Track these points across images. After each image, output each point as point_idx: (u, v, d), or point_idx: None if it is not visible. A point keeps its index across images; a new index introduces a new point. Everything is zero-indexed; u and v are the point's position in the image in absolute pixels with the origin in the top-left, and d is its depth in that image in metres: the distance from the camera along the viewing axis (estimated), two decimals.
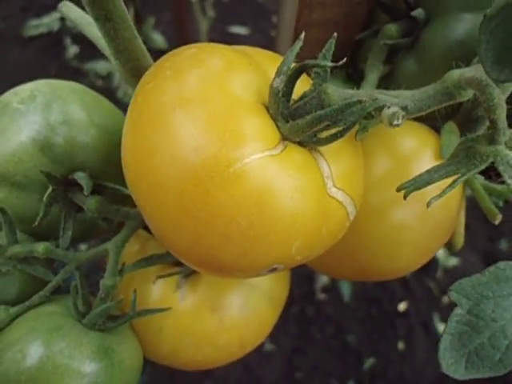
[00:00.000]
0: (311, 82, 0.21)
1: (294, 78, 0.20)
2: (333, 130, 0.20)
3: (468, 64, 0.24)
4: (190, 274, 0.30)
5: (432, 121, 0.30)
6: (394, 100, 0.21)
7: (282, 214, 0.19)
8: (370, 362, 1.06)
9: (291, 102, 0.21)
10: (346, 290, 1.14)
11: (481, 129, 0.28)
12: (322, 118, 0.19)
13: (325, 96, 0.20)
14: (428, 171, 0.20)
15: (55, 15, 1.50)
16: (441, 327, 1.09)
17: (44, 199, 0.26)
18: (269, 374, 1.04)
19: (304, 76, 0.22)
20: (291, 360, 1.06)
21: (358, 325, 1.11)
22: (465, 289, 0.20)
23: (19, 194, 0.27)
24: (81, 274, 0.27)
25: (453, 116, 0.30)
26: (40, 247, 0.26)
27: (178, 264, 0.30)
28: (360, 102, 0.19)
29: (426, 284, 1.15)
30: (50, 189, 0.26)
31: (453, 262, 1.17)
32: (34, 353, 0.23)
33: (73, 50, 1.45)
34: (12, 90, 0.28)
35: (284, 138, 0.20)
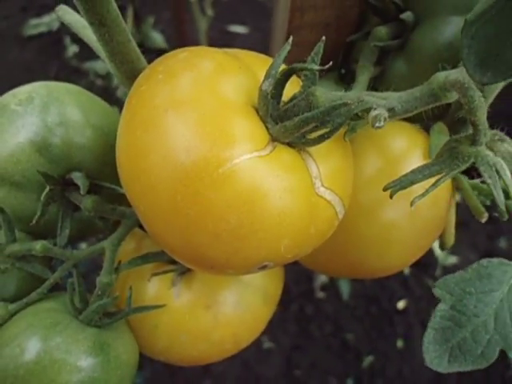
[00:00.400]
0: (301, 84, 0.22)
1: (283, 81, 0.21)
2: (321, 131, 0.21)
3: (456, 65, 0.24)
4: (184, 272, 0.30)
5: (422, 121, 0.30)
6: (382, 102, 0.21)
7: (270, 213, 0.20)
8: (368, 360, 1.07)
9: (281, 104, 0.21)
10: (344, 288, 1.15)
11: (469, 129, 0.29)
12: (309, 119, 0.20)
13: (313, 98, 0.20)
14: (413, 171, 0.21)
15: (55, 15, 1.51)
16: None
17: (41, 199, 0.27)
18: (268, 372, 1.05)
19: (295, 78, 0.23)
20: (290, 358, 1.07)
21: (357, 323, 1.12)
22: (448, 285, 0.20)
23: (17, 194, 0.27)
24: (78, 272, 0.27)
25: (443, 117, 0.30)
26: (38, 245, 0.27)
27: (173, 262, 0.30)
28: (346, 104, 0.19)
29: (425, 282, 1.16)
30: (47, 188, 0.27)
31: (452, 260, 1.18)
32: (32, 348, 0.24)
33: (72, 49, 1.45)
34: (10, 92, 0.29)
35: (273, 139, 0.21)
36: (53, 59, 1.44)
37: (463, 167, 0.20)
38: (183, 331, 0.30)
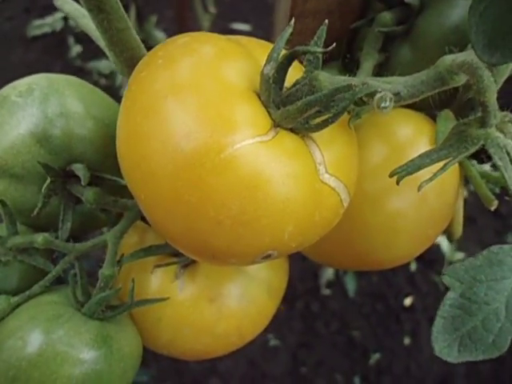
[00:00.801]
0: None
1: (286, 65, 0.20)
2: (325, 117, 0.20)
3: (462, 50, 0.24)
4: (188, 265, 0.30)
5: (429, 109, 0.30)
6: (387, 86, 0.21)
7: (273, 199, 0.19)
8: (375, 358, 1.06)
9: (283, 89, 0.21)
10: (351, 285, 1.14)
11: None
12: (312, 103, 0.19)
13: (316, 82, 0.20)
14: (420, 156, 0.20)
15: (58, 15, 1.51)
16: None
17: (42, 190, 0.26)
18: (274, 370, 1.04)
19: (298, 65, 0.22)
20: (296, 355, 1.06)
21: (364, 320, 1.11)
22: (458, 272, 0.20)
23: (18, 186, 0.27)
24: (80, 265, 0.27)
25: (449, 104, 0.29)
26: (39, 238, 0.26)
27: (176, 255, 0.30)
28: (350, 86, 0.19)
29: (432, 279, 1.15)
30: (48, 180, 0.26)
31: (459, 256, 1.16)
32: (35, 340, 0.24)
33: (76, 49, 1.46)
34: (11, 84, 0.29)
35: (276, 124, 0.20)
36: (56, 59, 1.44)
37: (472, 150, 0.19)
38: (187, 324, 0.29)
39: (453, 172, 0.28)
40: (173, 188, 0.19)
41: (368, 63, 0.28)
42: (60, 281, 0.29)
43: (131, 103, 0.21)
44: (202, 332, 0.30)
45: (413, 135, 0.27)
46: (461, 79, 0.21)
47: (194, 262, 0.30)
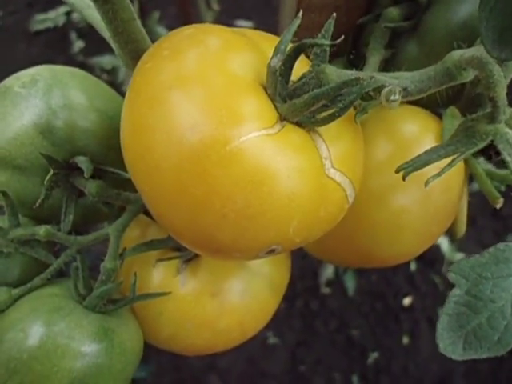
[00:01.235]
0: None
1: (293, 58, 0.20)
2: (331, 111, 0.20)
3: (470, 46, 0.24)
4: (190, 259, 0.30)
5: (435, 106, 0.29)
6: (394, 81, 0.20)
7: (278, 192, 0.19)
8: (374, 357, 1.06)
9: (290, 83, 0.21)
10: (350, 284, 1.14)
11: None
12: (319, 96, 0.19)
13: (323, 76, 0.20)
14: (427, 152, 0.20)
15: (61, 10, 1.51)
16: None
17: (45, 182, 0.26)
18: (272, 368, 1.04)
19: (305, 59, 0.22)
20: (295, 354, 1.06)
21: (363, 319, 1.11)
22: (463, 269, 0.20)
23: (20, 178, 0.27)
24: (82, 257, 0.27)
25: (456, 101, 0.29)
26: (41, 230, 0.26)
27: (179, 249, 0.30)
28: (358, 80, 0.19)
29: (431, 279, 1.15)
30: (50, 172, 0.26)
31: (458, 256, 1.16)
32: (36, 333, 0.23)
33: (78, 44, 1.45)
34: (14, 75, 0.29)
35: (282, 118, 0.20)
36: (59, 54, 1.44)
37: (481, 145, 0.19)
38: (188, 319, 0.29)
39: (458, 170, 0.28)
40: (177, 180, 0.19)
41: (374, 59, 0.28)
42: (61, 273, 0.29)
43: (136, 94, 0.21)
44: (203, 327, 0.30)
45: (419, 132, 0.27)
46: (469, 75, 0.21)
47: (196, 256, 0.30)
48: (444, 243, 1.14)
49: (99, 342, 0.24)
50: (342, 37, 0.19)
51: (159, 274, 0.30)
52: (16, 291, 0.26)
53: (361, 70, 0.28)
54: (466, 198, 0.31)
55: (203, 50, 0.20)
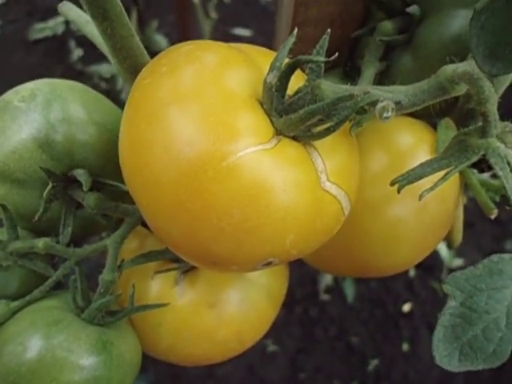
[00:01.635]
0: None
1: (288, 74, 0.21)
2: (326, 125, 0.20)
3: (463, 60, 0.24)
4: (188, 271, 0.30)
5: (429, 117, 0.30)
6: (388, 95, 0.21)
7: (275, 206, 0.19)
8: (374, 364, 1.05)
9: (286, 97, 0.21)
10: (349, 290, 1.14)
11: (478, 124, 0.28)
12: (314, 112, 0.19)
13: (318, 91, 0.20)
14: (421, 165, 0.21)
15: (60, 19, 1.52)
16: None
17: (44, 195, 0.26)
18: (272, 375, 1.04)
19: (301, 74, 0.23)
20: (295, 361, 1.06)
21: (362, 326, 1.11)
22: (458, 281, 0.20)
23: (19, 191, 0.27)
24: (80, 270, 0.27)
25: (450, 113, 0.30)
26: (40, 243, 0.26)
27: (177, 260, 0.30)
28: (352, 95, 0.19)
29: (431, 285, 1.15)
30: (49, 185, 0.27)
31: (457, 262, 1.16)
32: (34, 346, 0.24)
33: (77, 53, 1.46)
34: (13, 89, 0.29)
35: (278, 132, 0.21)
36: (58, 63, 1.45)
37: (473, 159, 0.19)
38: (187, 330, 0.29)
39: (453, 180, 0.28)
40: (175, 195, 0.19)
41: (369, 71, 0.29)
42: (60, 286, 0.29)
43: (134, 110, 0.21)
44: (201, 338, 0.30)
45: (414, 143, 0.27)
46: (461, 89, 0.21)
47: (194, 267, 0.30)
48: (443, 249, 1.14)
49: (98, 355, 0.24)
50: (336, 54, 0.20)
51: (157, 286, 0.30)
52: (15, 304, 0.27)
53: (356, 81, 0.29)
54: (461, 207, 0.32)
55: (200, 67, 0.20)
